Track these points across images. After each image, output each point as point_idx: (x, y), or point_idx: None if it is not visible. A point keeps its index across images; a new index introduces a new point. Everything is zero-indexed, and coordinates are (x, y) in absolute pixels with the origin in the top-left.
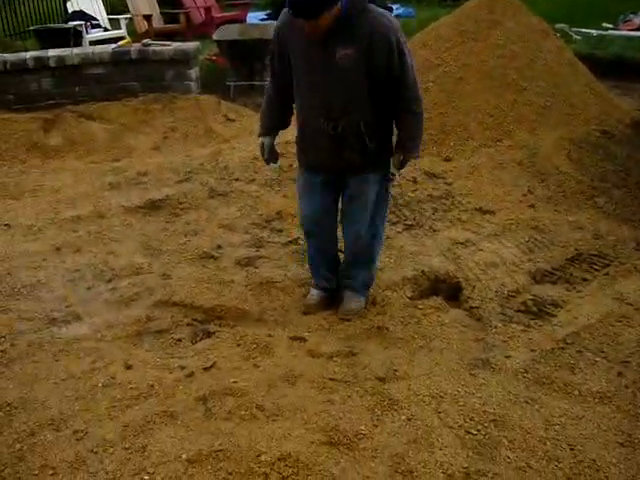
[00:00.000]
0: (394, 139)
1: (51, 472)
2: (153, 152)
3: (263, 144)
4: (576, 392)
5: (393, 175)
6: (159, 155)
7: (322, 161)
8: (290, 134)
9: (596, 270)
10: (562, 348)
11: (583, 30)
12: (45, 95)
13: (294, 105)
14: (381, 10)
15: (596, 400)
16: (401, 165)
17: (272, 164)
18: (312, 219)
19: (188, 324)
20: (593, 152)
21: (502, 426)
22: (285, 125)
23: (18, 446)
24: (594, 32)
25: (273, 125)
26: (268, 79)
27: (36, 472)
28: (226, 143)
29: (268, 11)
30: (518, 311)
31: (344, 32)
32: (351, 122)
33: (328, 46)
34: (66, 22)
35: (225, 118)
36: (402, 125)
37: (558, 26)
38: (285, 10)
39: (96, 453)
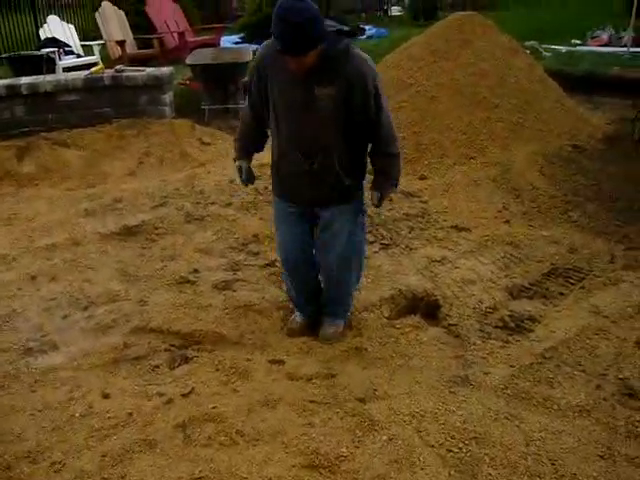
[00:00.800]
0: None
1: None
2: (128, 177)
3: (241, 167)
4: (555, 406)
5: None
6: (134, 180)
7: (298, 193)
8: (266, 157)
9: (572, 284)
10: (540, 363)
11: (553, 47)
12: (18, 123)
13: (269, 133)
14: (361, 53)
15: (575, 414)
16: (379, 203)
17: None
18: (290, 249)
19: (166, 350)
20: (565, 167)
21: (483, 443)
22: (260, 149)
23: None
24: (563, 49)
25: (249, 150)
26: (244, 104)
27: None
28: (201, 167)
29: (241, 35)
30: (496, 327)
31: (325, 71)
32: (327, 159)
33: (309, 84)
34: (39, 49)
35: (200, 142)
36: (379, 166)
37: (528, 43)
38: (267, 43)
39: None
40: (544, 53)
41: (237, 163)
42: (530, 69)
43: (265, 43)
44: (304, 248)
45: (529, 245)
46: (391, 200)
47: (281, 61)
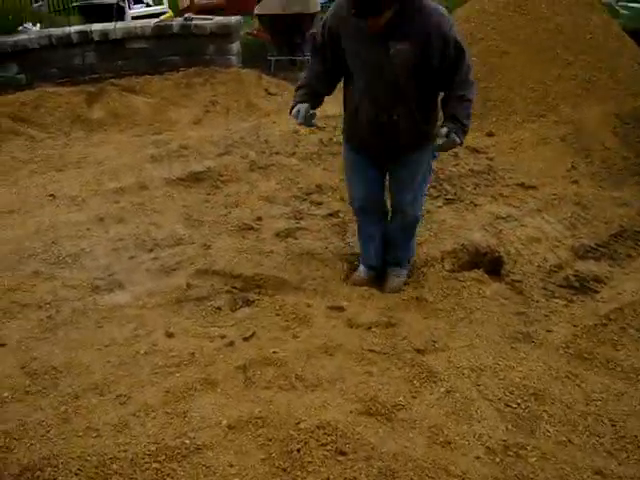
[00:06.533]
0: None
1: (95, 434)
2: (194, 125)
3: (299, 110)
4: (618, 368)
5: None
6: (200, 128)
7: (375, 143)
8: (331, 109)
9: None
10: (605, 324)
11: (631, 4)
12: (89, 69)
13: (345, 89)
14: (435, 5)
15: (639, 377)
16: (447, 138)
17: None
18: (364, 197)
19: (227, 292)
20: (639, 128)
21: (542, 400)
22: (327, 94)
23: (63, 408)
24: None
25: (314, 95)
26: (310, 62)
27: (80, 434)
28: (267, 117)
29: None
30: (560, 286)
31: (400, 27)
32: (405, 110)
33: (384, 41)
34: None
35: (266, 92)
36: (451, 110)
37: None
38: (338, 2)
39: (138, 417)
40: (621, 11)
41: (296, 108)
42: (606, 25)
43: (336, 2)
44: (377, 194)
45: (597, 206)
46: (457, 156)
47: (355, 20)
